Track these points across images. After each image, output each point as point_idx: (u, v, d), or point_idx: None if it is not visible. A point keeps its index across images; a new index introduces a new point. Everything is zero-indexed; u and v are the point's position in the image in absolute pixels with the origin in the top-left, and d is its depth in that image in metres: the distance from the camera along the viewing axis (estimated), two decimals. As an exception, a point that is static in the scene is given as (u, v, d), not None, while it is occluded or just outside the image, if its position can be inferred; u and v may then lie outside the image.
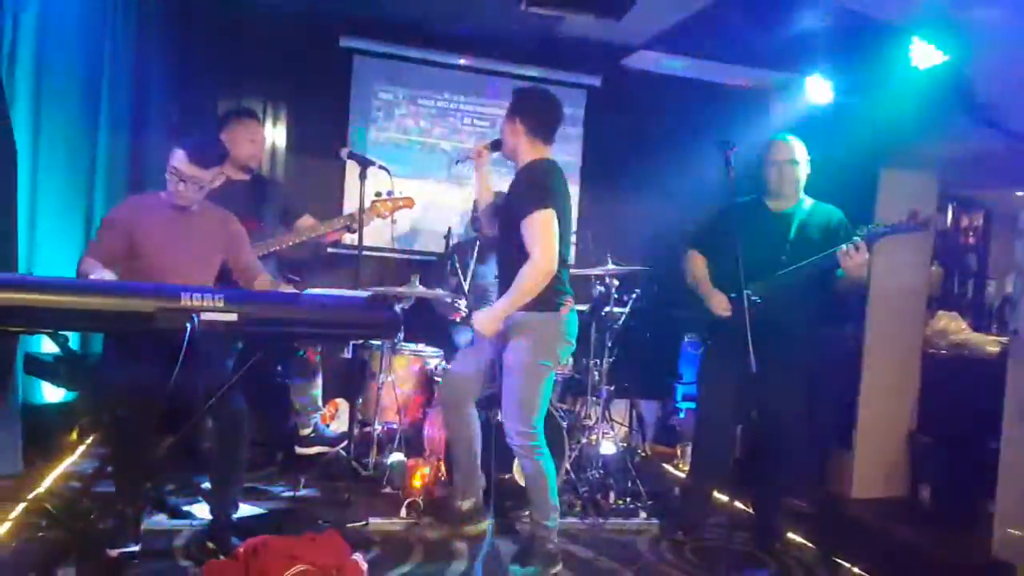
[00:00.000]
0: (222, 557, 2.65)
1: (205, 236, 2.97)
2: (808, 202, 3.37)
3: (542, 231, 2.84)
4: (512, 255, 2.94)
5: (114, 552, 2.61)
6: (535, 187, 2.92)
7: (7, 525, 2.86)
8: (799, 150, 3.35)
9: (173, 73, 4.52)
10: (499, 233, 3.15)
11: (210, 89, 4.75)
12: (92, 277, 2.51)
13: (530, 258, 2.84)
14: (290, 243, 3.62)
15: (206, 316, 2.20)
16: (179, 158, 2.81)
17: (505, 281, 3.01)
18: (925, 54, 3.78)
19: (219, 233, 3.01)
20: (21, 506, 3.01)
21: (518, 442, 2.95)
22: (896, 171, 4.23)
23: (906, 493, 4.26)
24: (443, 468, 3.60)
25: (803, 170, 3.34)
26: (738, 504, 3.45)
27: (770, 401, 3.23)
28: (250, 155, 3.72)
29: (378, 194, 3.75)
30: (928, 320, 4.53)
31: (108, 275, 2.55)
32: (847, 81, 4.47)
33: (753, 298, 2.93)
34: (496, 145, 3.17)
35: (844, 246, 3.04)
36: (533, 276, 2.84)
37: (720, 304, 3.28)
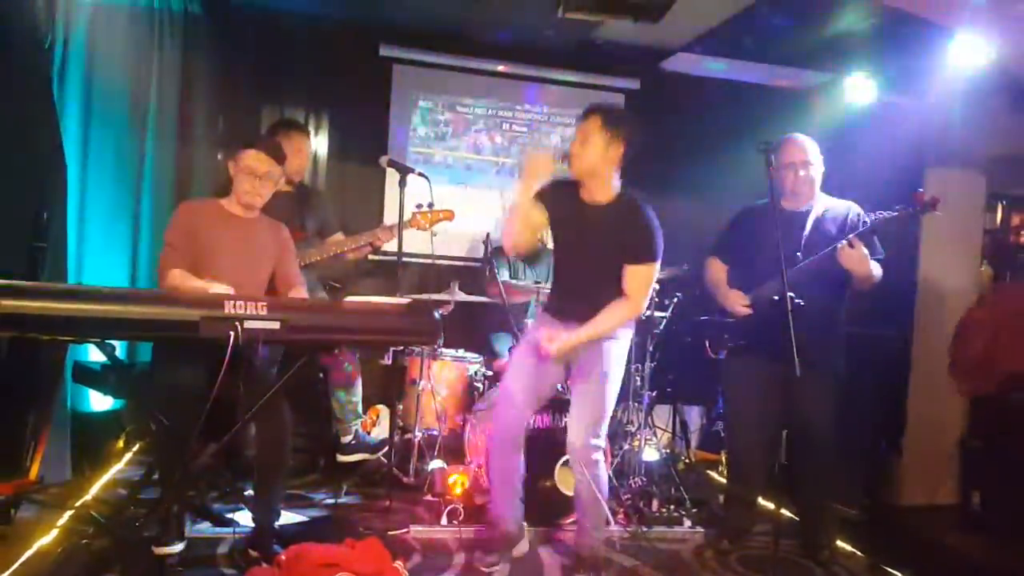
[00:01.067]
0: (264, 564, 2.67)
1: (261, 244, 3.01)
2: (825, 199, 3.28)
3: (648, 282, 2.86)
4: (597, 277, 2.89)
5: (158, 551, 2.61)
6: (655, 237, 2.83)
7: (55, 532, 2.92)
8: (811, 150, 3.25)
9: (217, 84, 4.59)
10: (587, 248, 2.93)
11: (253, 99, 4.83)
12: (213, 290, 2.56)
13: (628, 300, 2.83)
14: (322, 257, 3.64)
15: (249, 324, 2.23)
16: (251, 156, 2.85)
17: (579, 293, 2.93)
18: (971, 52, 3.69)
19: (273, 241, 3.06)
20: (69, 513, 3.07)
21: (590, 453, 2.89)
22: (942, 170, 4.14)
23: (957, 500, 4.15)
24: (484, 475, 3.59)
25: (818, 169, 3.25)
26: (785, 512, 3.38)
27: (798, 405, 3.15)
28: (296, 168, 3.74)
29: (419, 206, 3.72)
30: (979, 322, 4.41)
31: (219, 287, 2.59)
32: (890, 80, 4.39)
33: (797, 301, 2.79)
34: (566, 158, 2.87)
35: (839, 244, 2.98)
36: (623, 318, 2.86)
37: (737, 302, 3.26)
